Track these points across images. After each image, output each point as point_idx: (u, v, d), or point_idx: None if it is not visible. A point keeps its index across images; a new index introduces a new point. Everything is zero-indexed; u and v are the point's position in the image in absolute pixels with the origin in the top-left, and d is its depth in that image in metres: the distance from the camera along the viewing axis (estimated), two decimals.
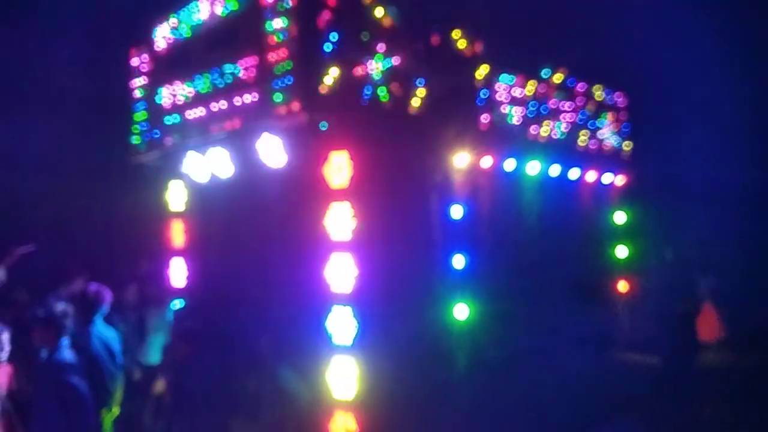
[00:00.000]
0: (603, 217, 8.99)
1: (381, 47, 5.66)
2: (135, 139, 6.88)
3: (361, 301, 5.19)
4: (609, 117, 9.11)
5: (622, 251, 9.02)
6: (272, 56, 5.29)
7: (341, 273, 5.22)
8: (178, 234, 7.07)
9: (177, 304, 6.90)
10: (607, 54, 8.77)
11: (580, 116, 8.49)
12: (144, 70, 6.81)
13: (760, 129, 9.53)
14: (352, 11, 5.39)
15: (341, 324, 5.18)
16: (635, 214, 9.20)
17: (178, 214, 7.10)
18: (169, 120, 6.56)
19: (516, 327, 6.71)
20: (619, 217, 9.13)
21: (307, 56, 5.13)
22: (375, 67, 5.60)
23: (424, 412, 5.42)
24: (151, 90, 6.74)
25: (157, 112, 6.67)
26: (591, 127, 8.70)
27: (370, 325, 5.18)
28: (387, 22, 5.69)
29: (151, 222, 7.20)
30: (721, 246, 9.80)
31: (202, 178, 6.61)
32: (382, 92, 5.69)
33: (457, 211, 6.30)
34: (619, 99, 9.36)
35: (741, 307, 9.72)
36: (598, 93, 8.88)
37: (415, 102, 6.00)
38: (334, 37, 5.21)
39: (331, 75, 5.17)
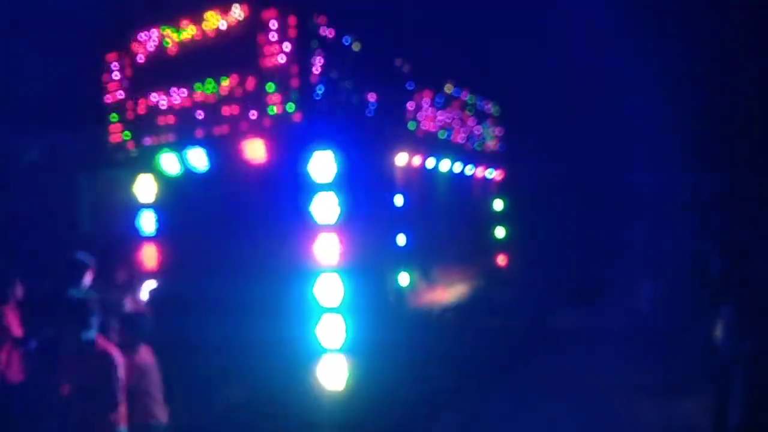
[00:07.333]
0: (489, 204, 11.06)
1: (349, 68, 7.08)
2: (111, 142, 7.57)
3: (346, 270, 6.55)
4: (488, 122, 11.17)
5: (500, 232, 11.14)
6: (269, 69, 6.45)
7: (328, 249, 6.54)
8: (148, 224, 7.80)
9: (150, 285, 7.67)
10: (488, 70, 10.90)
11: (470, 122, 10.43)
12: (122, 77, 7.53)
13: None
14: (335, 41, 6.74)
15: (331, 288, 6.51)
16: (509, 201, 11.37)
17: (147, 206, 7.84)
18: (150, 124, 7.38)
19: (436, 290, 8.56)
20: (497, 204, 11.24)
21: (305, 71, 6.38)
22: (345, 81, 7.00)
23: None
24: (130, 97, 7.48)
25: (137, 117, 7.44)
26: (477, 131, 10.68)
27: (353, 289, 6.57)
28: (356, 49, 7.11)
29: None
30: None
31: (173, 171, 7.45)
32: (350, 100, 7.09)
33: (399, 200, 7.85)
34: (487, 106, 11.46)
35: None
36: (472, 103, 10.90)
37: (371, 109, 7.47)
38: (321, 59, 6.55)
39: (321, 85, 6.50)
